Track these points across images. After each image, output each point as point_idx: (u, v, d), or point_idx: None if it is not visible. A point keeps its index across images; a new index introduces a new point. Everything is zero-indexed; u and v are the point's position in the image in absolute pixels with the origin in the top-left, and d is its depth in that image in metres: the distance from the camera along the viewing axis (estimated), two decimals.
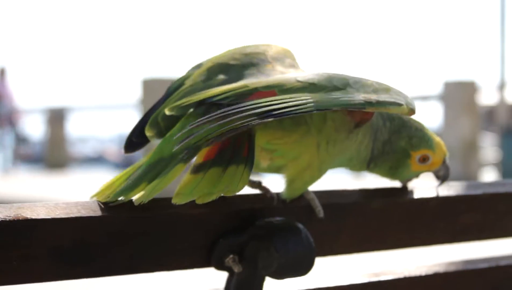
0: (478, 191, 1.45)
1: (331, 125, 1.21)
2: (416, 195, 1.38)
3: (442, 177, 1.38)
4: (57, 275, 1.13)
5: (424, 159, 1.34)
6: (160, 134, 1.25)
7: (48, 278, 1.13)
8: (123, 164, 17.03)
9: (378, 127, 1.30)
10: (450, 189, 1.43)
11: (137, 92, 10.96)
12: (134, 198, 1.13)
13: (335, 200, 1.31)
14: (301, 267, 1.19)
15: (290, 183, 1.24)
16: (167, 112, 1.22)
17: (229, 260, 1.20)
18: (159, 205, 1.19)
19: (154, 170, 1.14)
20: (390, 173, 1.35)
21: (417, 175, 1.37)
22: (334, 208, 1.30)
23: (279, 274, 1.19)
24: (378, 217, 1.34)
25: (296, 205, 1.27)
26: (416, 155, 1.33)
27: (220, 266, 1.22)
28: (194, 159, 1.15)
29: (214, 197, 1.13)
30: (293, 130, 1.20)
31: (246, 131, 1.14)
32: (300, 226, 1.20)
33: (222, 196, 1.23)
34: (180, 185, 1.14)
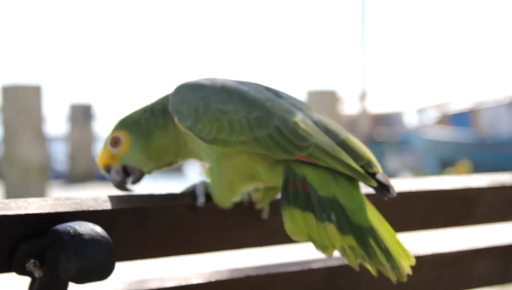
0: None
1: None
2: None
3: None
4: None
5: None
6: None
7: None
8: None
9: None
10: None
11: None
12: None
13: (142, 204, 1.32)
14: (101, 271, 1.19)
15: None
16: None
17: (30, 264, 1.20)
18: None
19: None
20: None
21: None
22: (140, 212, 1.31)
23: (79, 278, 1.18)
24: (185, 220, 1.36)
25: (99, 209, 1.27)
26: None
27: (21, 271, 1.21)
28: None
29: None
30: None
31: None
32: (100, 230, 1.20)
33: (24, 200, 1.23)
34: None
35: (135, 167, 1.42)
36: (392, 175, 13.57)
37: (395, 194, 1.30)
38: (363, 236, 1.23)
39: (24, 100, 10.56)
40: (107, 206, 1.29)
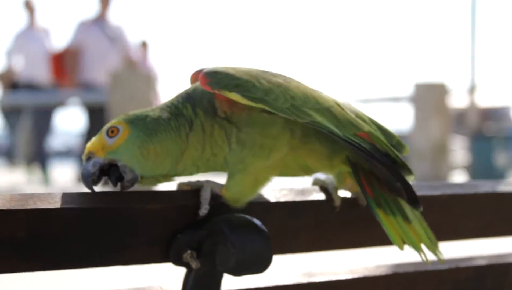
0: (437, 192, 1.46)
1: None
2: None
3: None
4: (10, 267, 1.12)
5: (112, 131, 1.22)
6: None
7: (1, 270, 1.12)
8: None
9: None
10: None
11: None
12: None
13: (294, 197, 1.31)
14: (259, 265, 1.19)
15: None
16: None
17: (187, 255, 1.20)
18: (117, 198, 1.18)
19: None
20: None
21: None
22: (292, 205, 1.30)
23: (236, 270, 1.18)
24: (337, 215, 1.34)
25: (253, 202, 1.27)
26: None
27: (178, 262, 1.21)
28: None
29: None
30: None
31: None
32: (258, 222, 1.20)
33: (181, 191, 1.23)
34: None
35: (126, 166, 1.20)
36: (501, 172, 13.22)
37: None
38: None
39: None
40: (262, 198, 1.28)
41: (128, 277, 4.20)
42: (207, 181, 1.25)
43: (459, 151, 14.93)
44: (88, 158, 1.21)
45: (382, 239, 1.40)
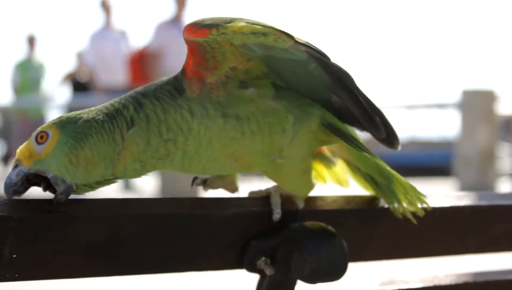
0: (510, 201, 1.44)
1: None
2: (448, 203, 1.37)
3: None
4: (88, 272, 1.13)
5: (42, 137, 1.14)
6: None
7: (79, 274, 1.13)
8: None
9: None
10: (481, 199, 1.42)
11: None
12: None
13: (367, 205, 1.30)
14: (334, 272, 1.18)
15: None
16: None
17: (261, 262, 1.20)
18: (191, 205, 1.19)
19: None
20: None
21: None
22: (365, 213, 1.29)
23: (312, 278, 1.18)
24: (409, 223, 1.33)
25: (327, 209, 1.26)
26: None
27: (251, 268, 1.21)
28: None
29: None
30: None
31: None
32: (333, 230, 1.19)
33: (253, 198, 1.24)
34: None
35: (56, 177, 1.11)
36: None
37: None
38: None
39: None
40: (335, 205, 1.27)
41: (195, 284, 4.20)
42: (275, 187, 1.24)
43: (506, 158, 14.77)
44: (16, 166, 1.13)
45: (452, 248, 1.39)
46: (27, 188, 1.13)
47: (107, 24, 10.13)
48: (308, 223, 1.20)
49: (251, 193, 1.26)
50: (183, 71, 1.20)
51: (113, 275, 1.13)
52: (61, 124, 1.14)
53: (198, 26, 1.15)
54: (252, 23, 1.15)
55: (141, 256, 1.14)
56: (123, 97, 1.19)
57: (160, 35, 9.26)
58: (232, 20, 1.15)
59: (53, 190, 1.12)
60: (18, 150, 1.14)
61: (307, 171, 1.24)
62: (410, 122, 16.22)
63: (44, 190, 1.13)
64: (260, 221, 1.21)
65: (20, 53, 10.95)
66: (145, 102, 1.17)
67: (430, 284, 1.38)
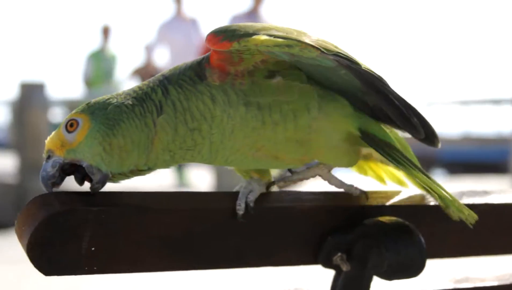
0: None
1: None
2: None
3: None
4: (164, 266, 1.12)
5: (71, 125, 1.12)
6: None
7: (155, 268, 1.13)
8: None
9: None
10: None
11: None
12: None
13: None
14: (412, 269, 1.17)
15: None
16: None
17: (337, 258, 1.18)
18: (266, 199, 1.18)
19: None
20: None
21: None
22: (441, 210, 1.27)
23: (389, 274, 1.16)
24: (486, 221, 1.30)
25: (403, 205, 1.24)
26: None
27: (327, 264, 1.20)
28: None
29: None
30: None
31: None
32: (412, 226, 1.17)
33: (329, 192, 1.22)
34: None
35: (91, 165, 1.10)
36: None
37: None
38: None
39: None
40: (411, 202, 1.25)
41: (269, 279, 4.18)
42: (249, 181, 1.18)
43: None
44: (48, 157, 1.11)
45: None
46: (63, 179, 1.11)
47: (178, 13, 9.67)
48: (386, 219, 1.18)
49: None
50: (208, 58, 1.16)
51: (190, 269, 1.13)
52: (90, 110, 1.12)
53: (219, 38, 1.12)
54: (275, 36, 1.12)
55: (217, 250, 1.14)
56: (151, 80, 1.17)
57: None
58: (255, 32, 1.12)
59: (89, 179, 1.10)
60: (47, 140, 1.12)
61: (345, 141, 1.19)
62: (464, 118, 16.02)
63: (80, 180, 1.11)
64: (335, 216, 1.20)
65: (93, 45, 10.65)
66: (170, 88, 1.15)
67: (507, 282, 1.35)
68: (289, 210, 1.17)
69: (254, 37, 1.11)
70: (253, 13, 8.65)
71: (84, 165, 1.10)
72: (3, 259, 5.02)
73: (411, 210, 1.24)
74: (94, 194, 1.10)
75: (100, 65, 10.33)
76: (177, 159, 1.15)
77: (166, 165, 1.15)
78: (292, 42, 1.11)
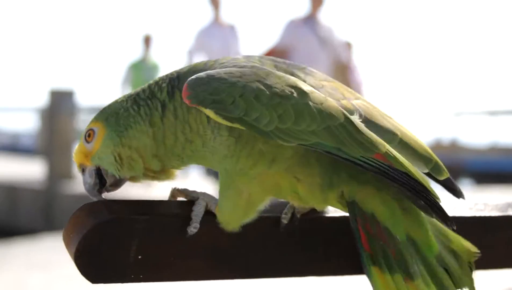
0: None
1: None
2: None
3: None
4: (212, 274, 1.13)
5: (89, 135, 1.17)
6: None
7: (203, 277, 1.13)
8: None
9: None
10: None
11: None
12: None
13: (490, 212, 1.27)
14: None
15: None
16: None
17: None
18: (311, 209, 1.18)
19: None
20: None
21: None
22: (488, 220, 1.26)
23: None
24: None
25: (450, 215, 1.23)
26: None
27: None
28: None
29: None
30: None
31: None
32: None
33: None
34: None
35: (107, 170, 1.16)
36: None
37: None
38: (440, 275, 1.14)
39: None
40: (456, 212, 1.24)
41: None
42: (203, 194, 1.15)
43: None
44: (83, 170, 1.17)
45: None
46: (105, 183, 1.16)
47: (216, 19, 9.50)
48: None
49: (174, 191, 1.18)
50: None
51: (238, 278, 1.13)
52: (105, 116, 1.16)
53: (186, 94, 1.11)
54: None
55: (264, 259, 1.13)
56: (163, 75, 1.19)
57: (288, 33, 8.44)
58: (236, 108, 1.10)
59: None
60: (74, 157, 1.18)
61: (255, 206, 1.14)
62: (492, 128, 15.91)
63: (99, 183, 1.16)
64: None
65: (135, 54, 10.50)
66: (176, 92, 1.14)
67: None
68: (326, 220, 1.17)
69: (209, 110, 1.10)
70: (311, 19, 8.14)
71: (101, 169, 1.16)
72: (32, 264, 5.04)
73: (456, 222, 1.23)
74: (142, 203, 1.11)
75: (140, 75, 10.17)
76: (185, 162, 1.17)
77: (176, 165, 1.18)
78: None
